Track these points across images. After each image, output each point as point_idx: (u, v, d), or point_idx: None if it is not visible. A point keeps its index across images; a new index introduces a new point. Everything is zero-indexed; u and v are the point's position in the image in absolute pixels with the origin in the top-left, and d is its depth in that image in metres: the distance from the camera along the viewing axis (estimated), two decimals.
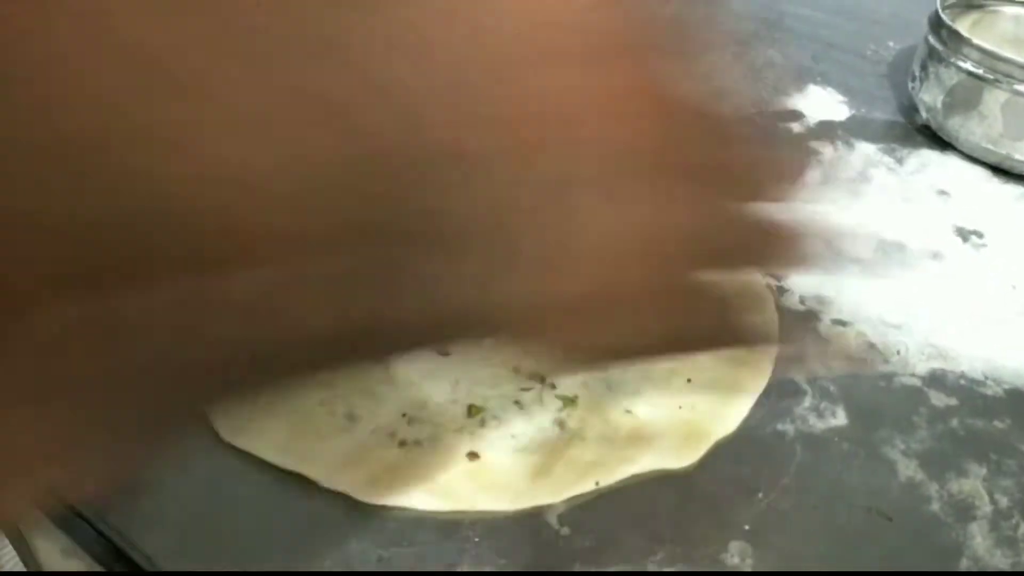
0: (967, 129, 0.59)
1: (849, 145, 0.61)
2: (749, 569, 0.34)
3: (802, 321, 0.46)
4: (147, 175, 0.14)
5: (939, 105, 0.60)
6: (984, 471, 0.39)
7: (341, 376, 0.39)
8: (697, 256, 0.21)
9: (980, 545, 0.36)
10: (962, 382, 0.44)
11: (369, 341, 0.19)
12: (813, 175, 0.58)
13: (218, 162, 0.15)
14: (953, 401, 0.43)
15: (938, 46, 0.60)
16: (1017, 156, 0.58)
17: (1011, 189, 0.59)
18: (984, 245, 0.53)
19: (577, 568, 0.34)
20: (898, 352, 0.45)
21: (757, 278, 0.36)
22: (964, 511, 0.38)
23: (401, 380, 0.39)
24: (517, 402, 0.39)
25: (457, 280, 0.19)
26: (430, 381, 0.39)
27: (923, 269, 0.51)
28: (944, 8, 0.61)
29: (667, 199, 0.20)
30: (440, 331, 0.20)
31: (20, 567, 0.52)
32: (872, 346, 0.45)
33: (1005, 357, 0.45)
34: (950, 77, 0.59)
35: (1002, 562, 0.36)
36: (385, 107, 0.16)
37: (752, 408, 0.40)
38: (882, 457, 0.39)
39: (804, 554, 0.35)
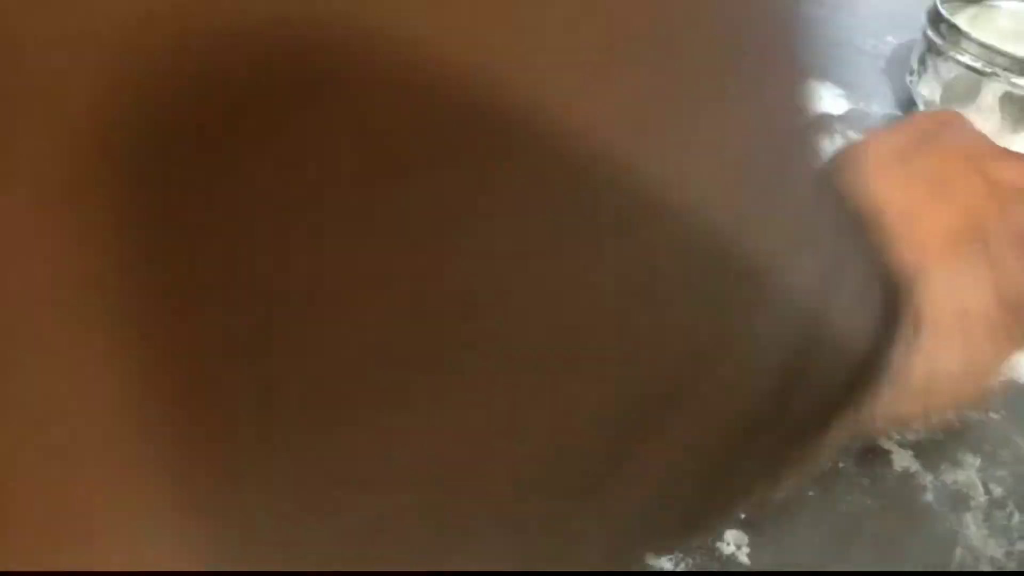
0: None
1: (847, 138, 0.61)
2: (745, 558, 0.35)
3: None
4: None
5: (937, 99, 0.60)
6: (979, 461, 0.39)
7: None
8: None
9: (974, 534, 0.37)
10: None
11: None
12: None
13: None
14: None
15: (936, 40, 0.60)
16: (1015, 149, 0.58)
17: None
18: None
19: None
20: None
21: None
22: (958, 501, 0.38)
23: None
24: None
25: None
26: None
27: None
28: (943, 2, 0.62)
29: None
30: None
31: None
32: None
33: None
34: (948, 71, 0.59)
35: (996, 551, 0.36)
36: None
37: None
38: (877, 448, 0.40)
39: (799, 543, 0.35)
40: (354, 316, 0.11)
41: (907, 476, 0.39)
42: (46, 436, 0.10)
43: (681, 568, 0.34)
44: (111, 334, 0.10)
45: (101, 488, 0.11)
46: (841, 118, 0.63)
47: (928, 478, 0.39)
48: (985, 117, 0.58)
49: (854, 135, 0.61)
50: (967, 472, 0.39)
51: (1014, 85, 0.56)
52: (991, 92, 0.57)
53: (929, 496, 0.38)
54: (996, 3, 0.67)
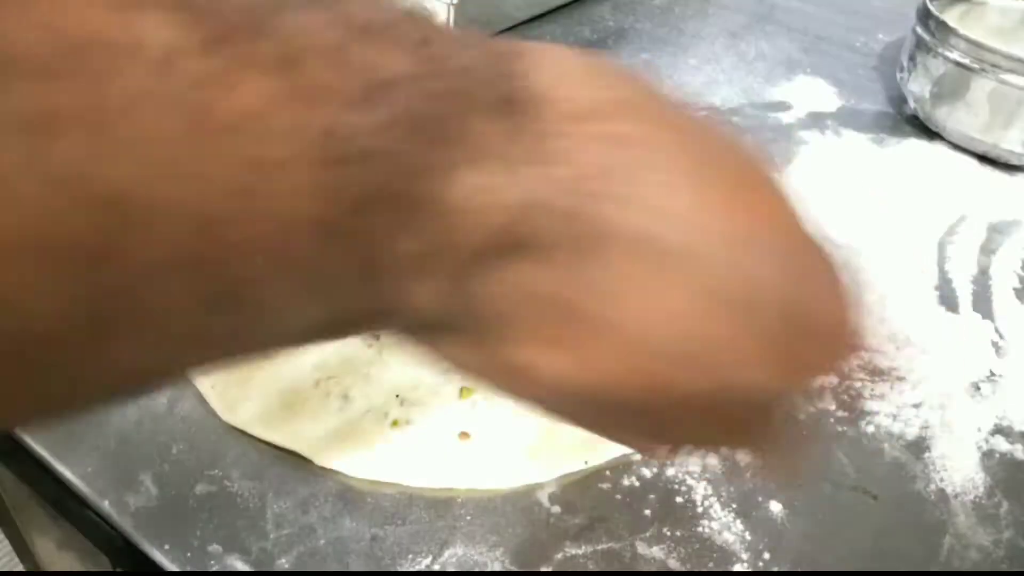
0: (954, 119, 0.60)
1: (838, 135, 0.62)
2: (738, 547, 0.35)
3: None
4: None
5: (927, 95, 0.61)
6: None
7: (335, 358, 0.40)
8: None
9: (963, 523, 0.37)
10: None
11: None
12: (802, 163, 0.58)
13: None
14: None
15: (926, 37, 0.60)
16: (1003, 145, 0.59)
17: (998, 177, 0.59)
18: (971, 232, 0.54)
19: (567, 546, 0.35)
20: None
21: None
22: (948, 490, 0.38)
23: (394, 362, 0.40)
24: None
25: None
26: (422, 363, 0.40)
27: (909, 256, 0.51)
28: (932, 0, 0.62)
29: None
30: None
31: (15, 559, 0.53)
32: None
33: None
34: (937, 67, 0.60)
35: (984, 539, 0.37)
36: None
37: None
38: (869, 437, 0.40)
39: (791, 531, 0.36)
40: None
41: (898, 465, 0.39)
42: None
43: (673, 557, 0.35)
44: None
45: None
46: (832, 115, 0.64)
47: (919, 467, 0.39)
48: (974, 113, 0.59)
49: (846, 131, 0.62)
50: (956, 461, 0.40)
51: (1003, 81, 0.57)
52: (980, 88, 0.58)
53: (919, 485, 0.38)
54: (985, 1, 0.67)
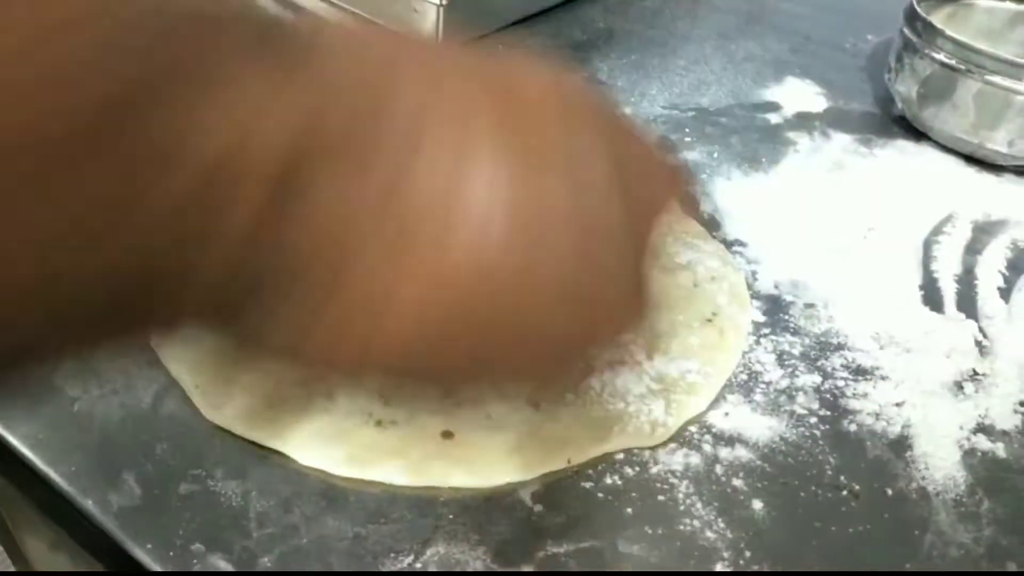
0: (941, 119, 0.60)
1: (826, 135, 0.62)
2: (719, 545, 0.35)
3: (775, 304, 0.47)
4: None
5: (914, 96, 0.61)
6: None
7: None
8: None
9: (944, 521, 0.37)
10: None
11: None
12: (790, 164, 0.58)
13: None
14: None
15: (913, 38, 0.61)
16: (989, 145, 0.59)
17: (984, 178, 0.60)
18: (957, 231, 0.54)
19: (549, 545, 0.35)
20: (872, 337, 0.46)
21: None
22: (929, 488, 0.39)
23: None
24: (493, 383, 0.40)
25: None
26: None
27: (897, 256, 0.52)
28: (920, 1, 0.62)
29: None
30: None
31: (7, 560, 0.53)
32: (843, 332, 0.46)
33: None
34: (924, 68, 0.60)
35: (965, 537, 0.37)
36: None
37: (722, 388, 0.42)
38: (851, 436, 0.40)
39: (772, 530, 0.36)
40: None
41: (880, 463, 0.39)
42: None
43: (654, 555, 0.35)
44: None
45: None
46: (821, 116, 0.64)
47: (900, 465, 0.39)
48: (961, 114, 0.59)
49: (833, 132, 0.62)
50: (938, 459, 0.40)
51: (989, 82, 0.57)
52: (966, 89, 0.58)
53: (900, 483, 0.39)
54: (972, 1, 0.68)
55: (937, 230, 0.54)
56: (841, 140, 0.62)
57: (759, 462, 0.39)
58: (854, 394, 0.42)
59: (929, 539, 0.37)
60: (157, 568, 0.33)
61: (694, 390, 0.41)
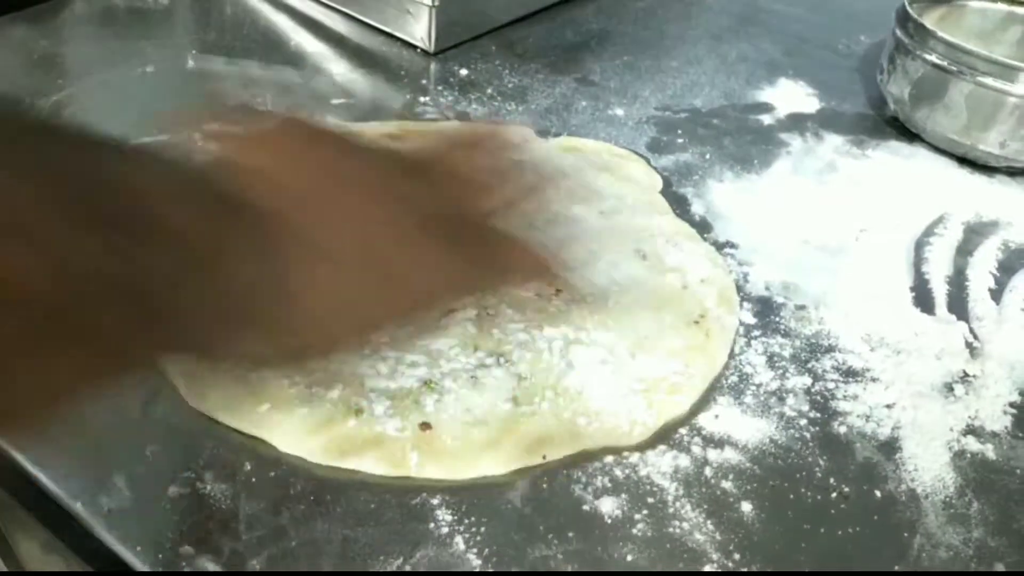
0: (933, 120, 0.60)
1: (818, 136, 0.62)
2: (708, 548, 0.35)
3: (766, 306, 0.47)
4: None
5: (906, 97, 0.61)
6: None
7: None
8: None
9: (933, 523, 0.37)
10: None
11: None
12: (782, 165, 0.59)
13: None
14: None
15: (905, 39, 0.61)
16: (982, 147, 0.59)
17: (976, 179, 0.60)
18: (949, 233, 0.54)
19: (539, 547, 0.35)
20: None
21: None
22: (918, 490, 0.39)
23: (361, 354, 0.40)
24: (473, 377, 0.40)
25: None
26: (389, 356, 0.40)
27: (889, 257, 0.52)
28: (912, 2, 0.62)
29: None
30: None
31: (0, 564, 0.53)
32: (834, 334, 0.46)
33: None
34: (916, 70, 0.60)
35: (954, 538, 0.37)
36: None
37: (706, 390, 0.42)
38: (840, 438, 0.40)
39: (761, 532, 0.36)
40: None
41: (869, 466, 0.39)
42: None
43: (644, 557, 0.35)
44: None
45: None
46: (813, 117, 0.64)
47: (890, 468, 0.39)
48: (953, 115, 0.59)
49: (826, 133, 0.62)
50: (927, 462, 0.40)
51: (980, 84, 0.57)
52: (958, 90, 0.58)
53: (890, 485, 0.39)
54: (964, 3, 0.68)
55: (929, 231, 0.54)
56: (833, 141, 0.62)
57: (749, 464, 0.39)
58: (844, 396, 0.42)
59: (918, 541, 0.37)
60: (146, 570, 0.33)
61: (676, 390, 0.41)
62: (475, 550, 0.34)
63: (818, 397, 0.42)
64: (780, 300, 0.47)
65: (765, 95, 0.66)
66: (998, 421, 0.42)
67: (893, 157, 0.61)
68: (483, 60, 0.66)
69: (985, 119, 0.58)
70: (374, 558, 0.34)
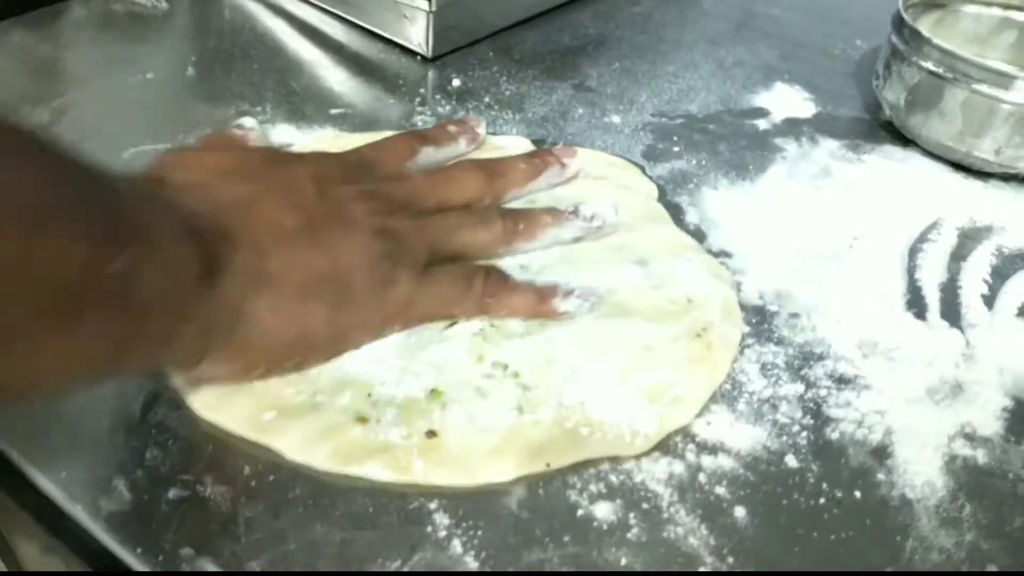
0: (929, 127, 0.61)
1: (814, 141, 0.62)
2: (702, 552, 0.36)
3: (759, 315, 0.47)
4: None
5: (902, 103, 0.62)
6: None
7: None
8: None
9: (925, 526, 0.38)
10: None
11: None
12: (777, 171, 0.59)
13: None
14: None
15: (900, 45, 0.61)
16: (976, 153, 0.59)
17: (970, 183, 0.60)
18: (943, 239, 0.54)
19: (535, 551, 0.35)
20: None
21: None
22: (911, 495, 0.39)
23: (365, 361, 0.41)
24: (478, 388, 0.40)
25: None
26: (395, 366, 0.41)
27: (882, 264, 0.52)
28: (906, 7, 0.63)
29: None
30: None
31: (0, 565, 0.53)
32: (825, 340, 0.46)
33: None
34: (912, 76, 0.61)
35: (946, 542, 0.37)
36: None
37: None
38: (833, 444, 0.41)
39: (754, 537, 0.37)
40: None
41: (862, 470, 0.40)
42: None
43: (638, 562, 0.35)
44: None
45: None
46: (809, 121, 0.65)
47: (882, 472, 0.40)
48: (948, 122, 0.59)
49: (821, 138, 0.63)
50: (919, 465, 0.40)
51: (975, 91, 0.58)
52: (953, 97, 0.59)
53: (883, 489, 0.39)
54: (959, 8, 0.68)
55: (923, 237, 0.55)
56: (829, 146, 0.62)
57: (742, 470, 0.39)
58: (837, 403, 0.43)
59: (911, 544, 0.37)
60: (146, 571, 0.33)
61: (678, 403, 0.41)
62: (472, 553, 0.35)
63: (811, 404, 0.43)
64: (773, 308, 0.48)
65: (761, 100, 0.67)
66: (990, 426, 0.43)
67: (888, 161, 0.61)
68: (480, 66, 0.67)
69: (980, 126, 0.58)
70: (372, 560, 0.34)
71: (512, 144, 0.57)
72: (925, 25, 0.63)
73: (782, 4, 0.82)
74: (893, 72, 0.62)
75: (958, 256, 0.53)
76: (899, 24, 0.62)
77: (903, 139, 0.63)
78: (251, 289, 0.36)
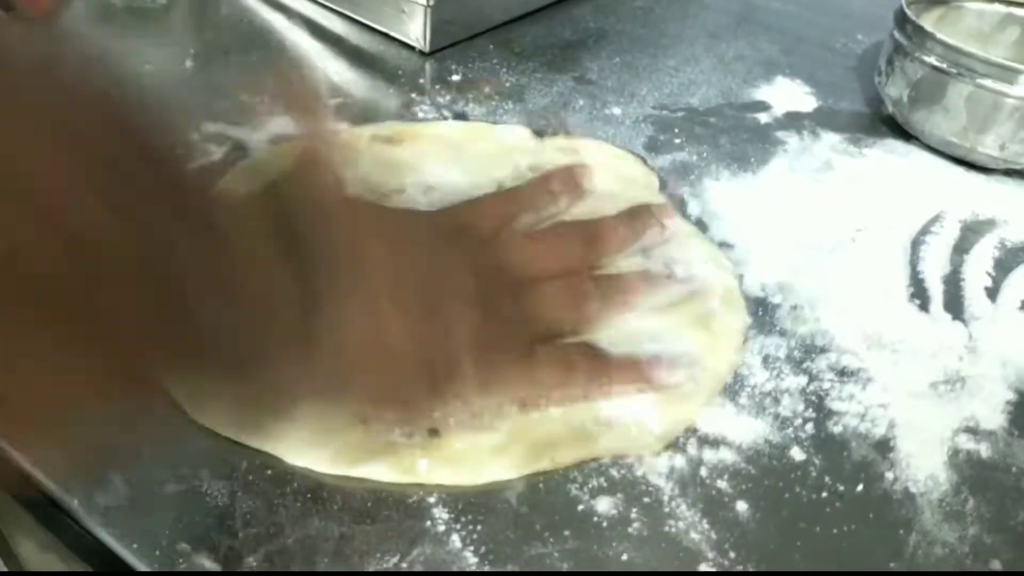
0: (932, 123, 0.60)
1: (815, 135, 0.62)
2: (704, 547, 0.35)
3: (761, 307, 0.47)
4: None
5: (904, 99, 0.61)
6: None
7: None
8: None
9: (928, 520, 0.38)
10: None
11: None
12: (778, 164, 0.59)
13: None
14: None
15: (903, 41, 0.61)
16: (980, 149, 0.59)
17: (973, 177, 0.60)
18: (946, 232, 0.54)
19: (535, 545, 0.35)
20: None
21: None
22: (913, 488, 0.39)
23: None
24: None
25: None
26: None
27: (885, 256, 0.52)
28: (909, 3, 0.63)
29: None
30: None
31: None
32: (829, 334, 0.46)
33: None
34: (915, 71, 0.60)
35: (950, 536, 0.37)
36: None
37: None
38: (836, 437, 0.41)
39: (756, 531, 0.36)
40: None
41: (864, 464, 0.40)
42: None
43: (639, 556, 0.35)
44: None
45: None
46: (810, 115, 0.64)
47: (885, 465, 0.39)
48: (952, 117, 0.59)
49: (823, 132, 0.62)
50: (923, 459, 0.40)
51: (979, 85, 0.57)
52: (957, 92, 0.58)
53: (886, 483, 0.39)
54: (962, 4, 0.68)
55: (925, 230, 0.54)
56: (830, 139, 0.62)
57: (744, 464, 0.39)
58: (839, 396, 0.42)
59: (914, 539, 0.37)
60: (143, 568, 0.33)
61: (685, 397, 0.41)
62: (471, 548, 0.34)
63: (813, 397, 0.42)
64: (775, 301, 0.47)
65: (762, 93, 0.66)
66: (994, 419, 0.42)
67: (889, 155, 0.61)
68: (480, 59, 0.66)
69: (983, 121, 0.58)
70: (370, 555, 0.34)
71: (512, 133, 0.57)
72: (928, 21, 0.63)
73: None
74: (896, 68, 0.62)
75: (961, 249, 0.53)
76: (902, 19, 0.62)
77: (904, 134, 0.63)
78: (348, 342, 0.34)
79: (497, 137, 0.56)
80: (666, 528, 0.36)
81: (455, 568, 0.34)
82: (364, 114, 0.59)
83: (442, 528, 0.35)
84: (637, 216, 0.48)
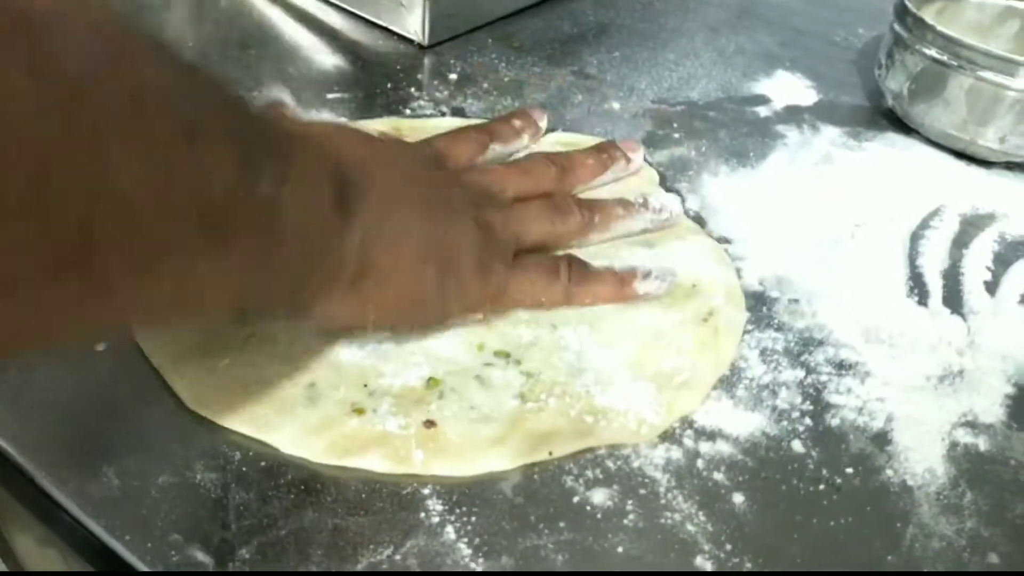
0: (932, 116, 0.60)
1: (815, 128, 0.62)
2: (700, 539, 0.35)
3: (759, 301, 0.47)
4: None
5: (905, 92, 0.61)
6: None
7: (303, 349, 0.40)
8: None
9: (926, 513, 0.37)
10: None
11: None
12: (778, 157, 0.58)
13: None
14: None
15: (903, 33, 0.61)
16: (981, 142, 0.59)
17: (974, 171, 0.60)
18: (945, 226, 0.54)
19: (530, 536, 0.35)
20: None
21: None
22: (911, 481, 0.39)
23: (363, 354, 0.40)
24: (478, 376, 0.40)
25: None
26: (392, 356, 0.40)
27: (884, 250, 0.52)
28: None
29: None
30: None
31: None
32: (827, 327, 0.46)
33: None
34: (915, 64, 0.60)
35: (947, 528, 0.37)
36: None
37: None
38: (833, 430, 0.40)
39: (753, 523, 0.36)
40: None
41: (862, 456, 0.39)
42: None
43: (634, 548, 0.35)
44: None
45: None
46: (810, 109, 0.64)
47: (883, 458, 0.39)
48: (952, 110, 0.59)
49: (823, 125, 0.62)
50: (920, 452, 0.40)
51: (980, 78, 0.57)
52: (958, 85, 0.58)
53: (883, 475, 0.39)
54: None
55: (924, 223, 0.54)
56: (830, 133, 0.62)
57: (741, 456, 0.39)
58: (837, 389, 0.42)
59: (911, 531, 0.37)
60: (135, 560, 0.33)
61: (684, 389, 0.40)
62: (465, 539, 0.34)
63: (811, 390, 0.42)
64: (774, 294, 0.47)
65: (762, 87, 0.66)
66: (992, 413, 0.42)
67: (889, 149, 0.61)
68: (479, 53, 0.66)
69: (983, 114, 0.58)
70: (364, 547, 0.34)
71: None
72: (928, 14, 0.62)
73: None
74: (896, 60, 0.61)
75: (960, 243, 0.53)
76: (902, 12, 0.61)
77: (904, 127, 0.63)
78: (375, 241, 0.36)
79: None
80: (662, 520, 0.36)
81: (448, 560, 0.34)
82: (363, 108, 0.58)
83: (436, 520, 0.35)
84: (604, 149, 0.53)
